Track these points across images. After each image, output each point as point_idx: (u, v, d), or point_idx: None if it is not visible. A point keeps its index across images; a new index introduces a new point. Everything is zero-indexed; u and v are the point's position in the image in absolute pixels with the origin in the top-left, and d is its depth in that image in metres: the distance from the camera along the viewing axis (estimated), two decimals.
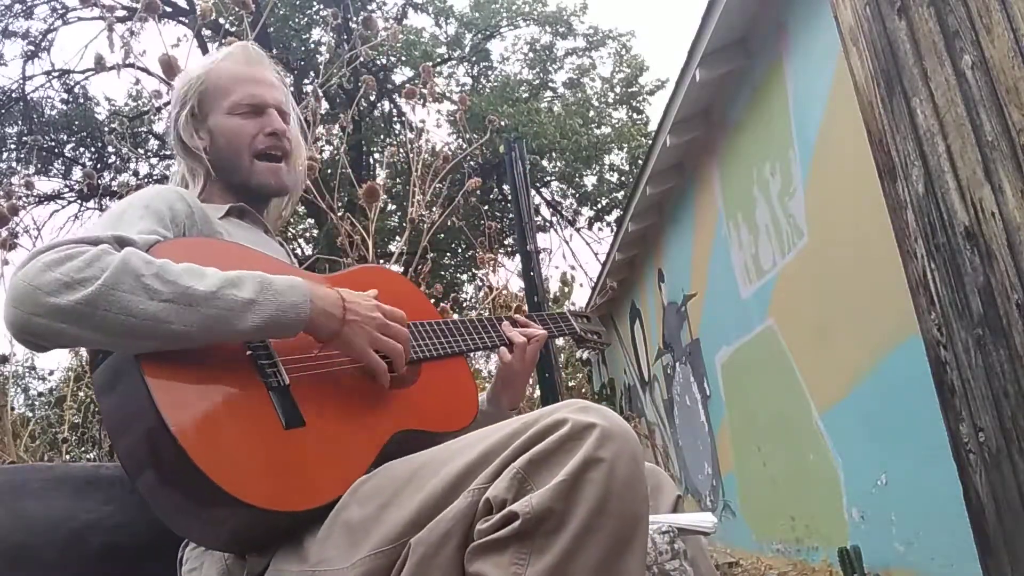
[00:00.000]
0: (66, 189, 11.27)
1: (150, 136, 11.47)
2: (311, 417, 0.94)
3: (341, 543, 0.86)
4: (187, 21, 9.87)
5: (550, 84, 13.67)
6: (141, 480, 0.88)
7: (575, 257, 12.31)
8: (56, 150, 11.44)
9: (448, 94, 11.84)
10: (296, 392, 0.95)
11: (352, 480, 0.91)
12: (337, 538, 0.86)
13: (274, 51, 11.11)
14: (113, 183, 9.97)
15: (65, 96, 11.37)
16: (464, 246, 11.42)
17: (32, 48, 10.68)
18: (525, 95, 12.86)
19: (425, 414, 1.06)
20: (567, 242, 12.76)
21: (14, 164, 10.65)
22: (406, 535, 0.82)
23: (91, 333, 0.84)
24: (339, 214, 2.72)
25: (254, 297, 0.90)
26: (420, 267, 3.01)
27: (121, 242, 0.92)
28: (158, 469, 0.86)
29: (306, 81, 11.80)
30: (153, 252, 0.93)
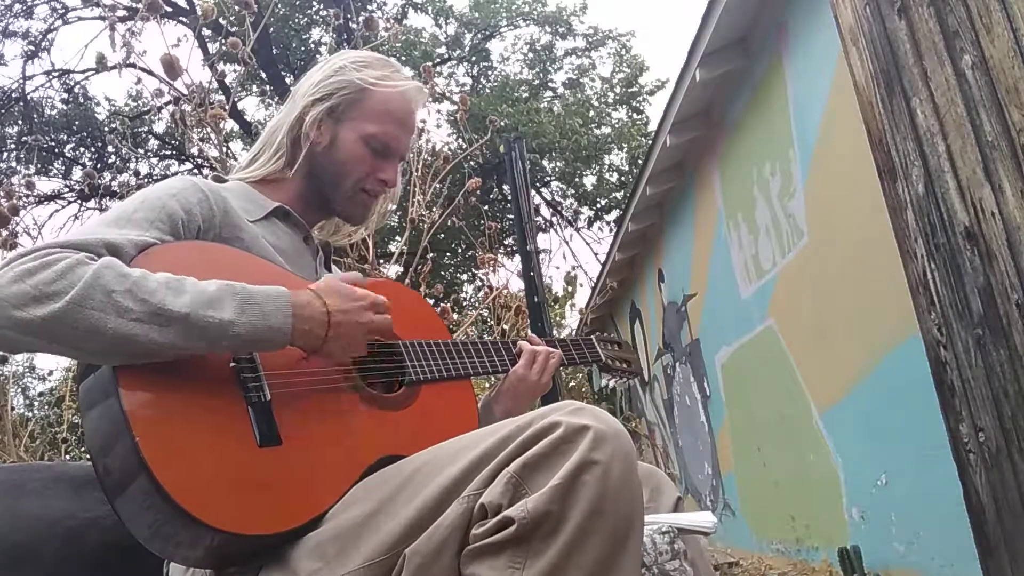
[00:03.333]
0: (66, 189, 11.28)
1: (150, 136, 11.48)
2: (289, 436, 0.90)
3: (330, 552, 0.84)
4: (187, 21, 9.87)
5: (550, 84, 13.67)
6: (117, 503, 0.85)
7: (575, 257, 12.32)
8: (56, 150, 11.44)
9: (448, 94, 11.84)
10: (277, 409, 0.91)
11: (324, 506, 0.89)
12: (326, 547, 0.85)
13: (274, 51, 11.12)
14: (113, 183, 9.97)
15: (65, 96, 11.37)
16: (464, 246, 11.42)
17: (32, 48, 10.69)
18: (525, 95, 12.86)
19: (413, 441, 0.98)
20: (567, 242, 12.77)
21: (14, 164, 10.65)
22: (400, 545, 0.81)
23: (58, 348, 0.82)
24: None
25: (233, 318, 0.86)
26: (420, 267, 3.01)
27: (110, 247, 0.89)
28: (129, 489, 0.83)
29: None
30: (141, 258, 0.91)
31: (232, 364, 0.91)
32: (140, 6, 2.28)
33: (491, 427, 0.86)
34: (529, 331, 3.57)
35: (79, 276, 0.82)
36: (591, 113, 12.98)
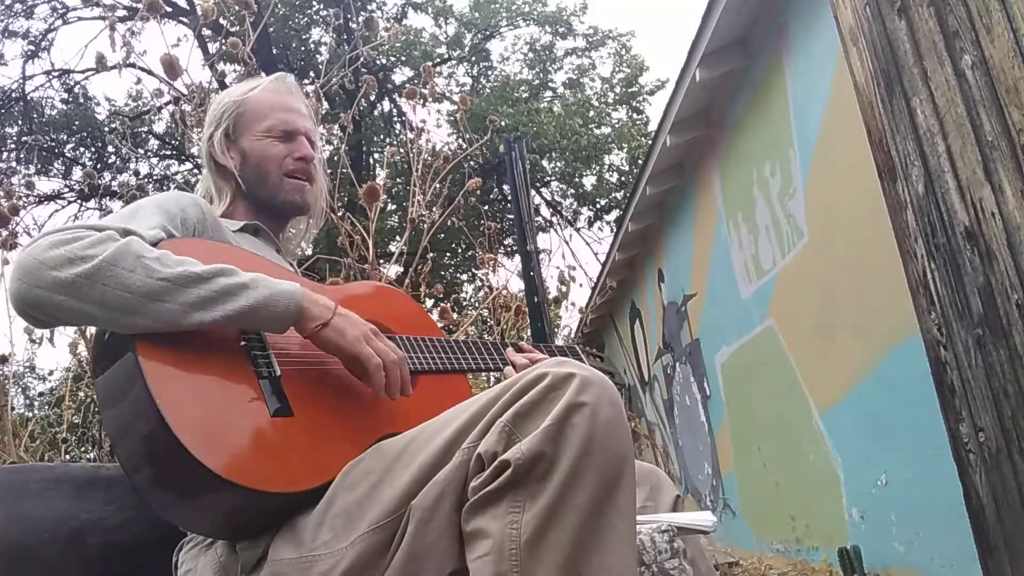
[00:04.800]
0: (66, 189, 11.28)
1: (150, 136, 11.47)
2: (299, 409, 0.95)
3: (337, 525, 0.87)
4: (187, 21, 9.87)
5: (550, 84, 13.67)
6: (138, 476, 0.88)
7: (575, 257, 12.31)
8: (56, 150, 11.43)
9: (448, 94, 11.84)
10: (287, 385, 0.96)
11: (337, 470, 0.92)
12: (332, 521, 0.88)
13: (274, 51, 11.12)
14: (113, 183, 9.97)
15: (65, 96, 11.37)
16: (464, 246, 11.42)
17: (32, 48, 10.69)
18: (525, 95, 12.86)
19: (415, 422, 1.01)
20: (567, 242, 12.76)
21: (14, 164, 10.64)
22: (403, 505, 0.84)
23: (89, 307, 0.87)
24: (339, 214, 2.73)
25: (246, 282, 0.94)
26: (420, 267, 3.01)
27: (127, 235, 0.95)
28: (151, 457, 0.87)
29: (306, 81, 11.80)
30: (157, 247, 0.96)
31: (243, 343, 0.96)
32: (140, 6, 2.29)
33: (483, 392, 0.90)
34: (529, 331, 3.57)
35: (110, 245, 0.90)
36: (591, 113, 12.97)
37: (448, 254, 12.21)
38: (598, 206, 13.54)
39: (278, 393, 0.94)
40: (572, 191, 13.61)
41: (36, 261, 0.87)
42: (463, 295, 11.79)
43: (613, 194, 13.24)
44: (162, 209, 1.05)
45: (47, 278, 0.86)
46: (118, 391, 0.89)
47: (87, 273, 0.87)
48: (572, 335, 7.80)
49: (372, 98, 11.79)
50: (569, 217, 13.67)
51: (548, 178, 13.39)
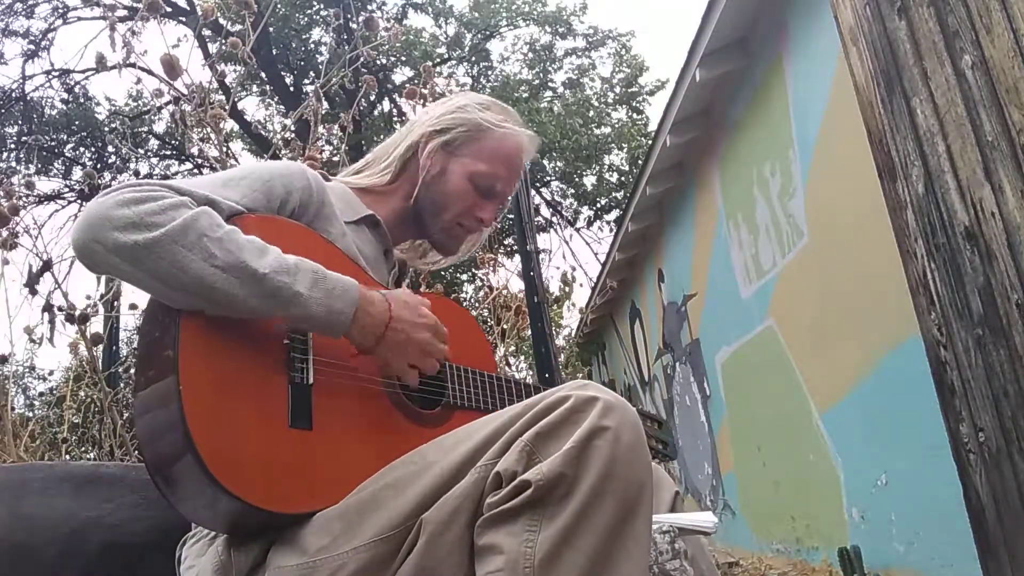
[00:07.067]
0: (66, 189, 11.27)
1: (150, 136, 11.48)
2: (321, 423, 0.93)
3: (339, 529, 0.86)
4: (187, 21, 9.87)
5: (550, 84, 13.66)
6: (158, 476, 0.88)
7: (575, 257, 12.32)
8: (56, 150, 11.43)
9: (448, 94, 11.82)
10: (316, 396, 0.94)
11: (343, 495, 0.90)
12: (336, 525, 0.86)
13: (274, 51, 11.12)
14: (113, 183, 9.95)
15: (65, 96, 11.37)
16: None
17: (32, 47, 10.69)
18: (525, 95, 12.85)
19: None
20: (567, 242, 12.76)
21: (14, 164, 10.64)
22: (412, 518, 0.83)
23: (141, 275, 0.86)
24: None
25: (302, 291, 0.90)
26: None
27: (207, 202, 0.93)
28: (171, 461, 0.86)
29: (306, 81, 11.81)
30: (234, 221, 0.94)
31: (286, 342, 0.94)
32: (140, 6, 2.28)
33: (502, 409, 0.88)
34: (529, 331, 3.57)
35: (180, 214, 0.87)
36: (591, 113, 12.97)
37: None
38: (598, 206, 13.54)
39: (304, 403, 0.92)
40: (572, 191, 13.61)
41: (102, 217, 0.85)
42: (463, 295, 11.79)
43: (613, 194, 13.24)
44: (268, 186, 1.03)
45: (108, 238, 0.85)
46: (153, 404, 0.89)
47: (147, 243, 0.85)
48: (572, 335, 7.80)
49: (372, 98, 11.80)
50: (569, 217, 13.68)
51: (548, 178, 13.39)
